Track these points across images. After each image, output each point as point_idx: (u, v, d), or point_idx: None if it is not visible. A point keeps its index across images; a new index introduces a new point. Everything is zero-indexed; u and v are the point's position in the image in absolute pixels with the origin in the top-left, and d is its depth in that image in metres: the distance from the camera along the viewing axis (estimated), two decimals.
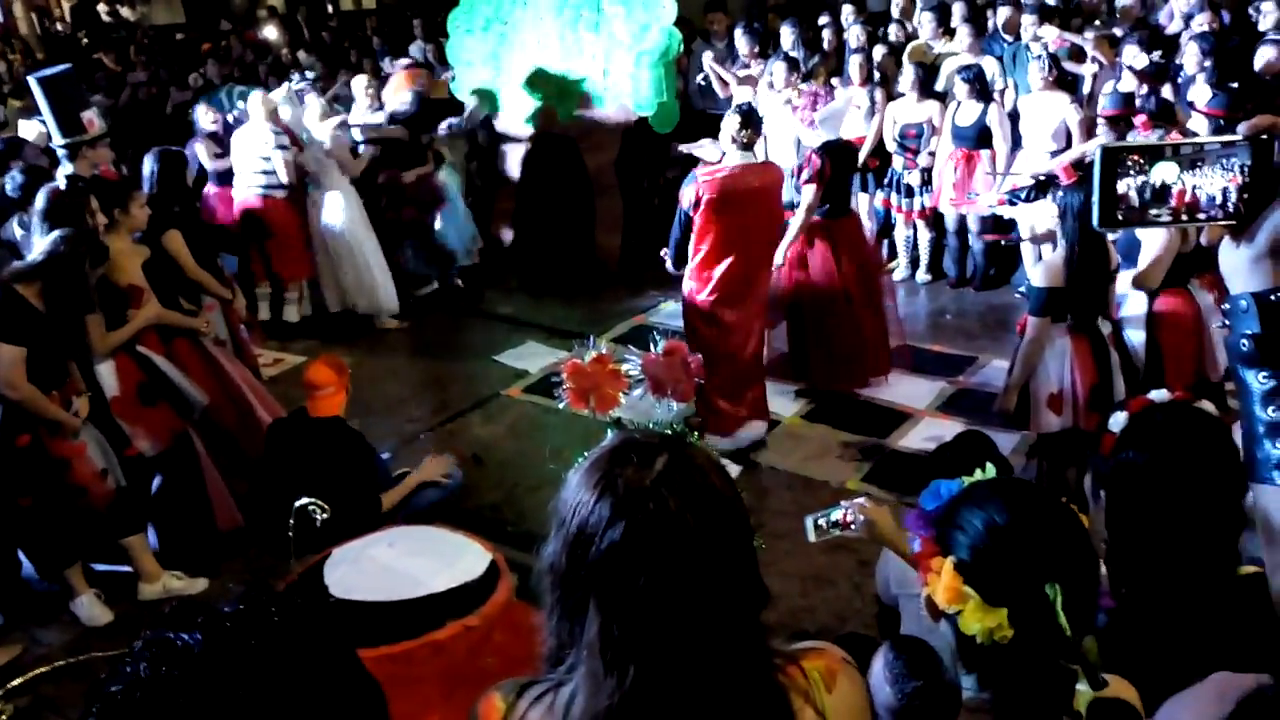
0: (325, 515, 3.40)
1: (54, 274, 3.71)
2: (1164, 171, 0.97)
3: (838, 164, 5.24)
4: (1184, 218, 0.98)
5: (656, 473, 1.15)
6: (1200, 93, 5.42)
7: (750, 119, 4.76)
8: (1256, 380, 0.95)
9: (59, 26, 18.28)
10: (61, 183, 4.47)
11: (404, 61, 7.86)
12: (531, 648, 1.27)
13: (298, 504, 3.46)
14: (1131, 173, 0.97)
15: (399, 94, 7.38)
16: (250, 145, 6.65)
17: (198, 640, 0.80)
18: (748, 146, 4.76)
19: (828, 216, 5.33)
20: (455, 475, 4.36)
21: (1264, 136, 0.95)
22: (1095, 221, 1.01)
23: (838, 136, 5.26)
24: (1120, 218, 0.99)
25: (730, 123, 4.76)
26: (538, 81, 7.41)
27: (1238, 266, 0.97)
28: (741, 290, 4.92)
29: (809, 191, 5.19)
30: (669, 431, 1.33)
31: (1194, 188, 0.97)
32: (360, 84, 7.51)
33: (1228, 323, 0.98)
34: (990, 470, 1.37)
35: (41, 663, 3.71)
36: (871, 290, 5.54)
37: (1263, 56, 6.05)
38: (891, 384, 5.68)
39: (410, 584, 3.00)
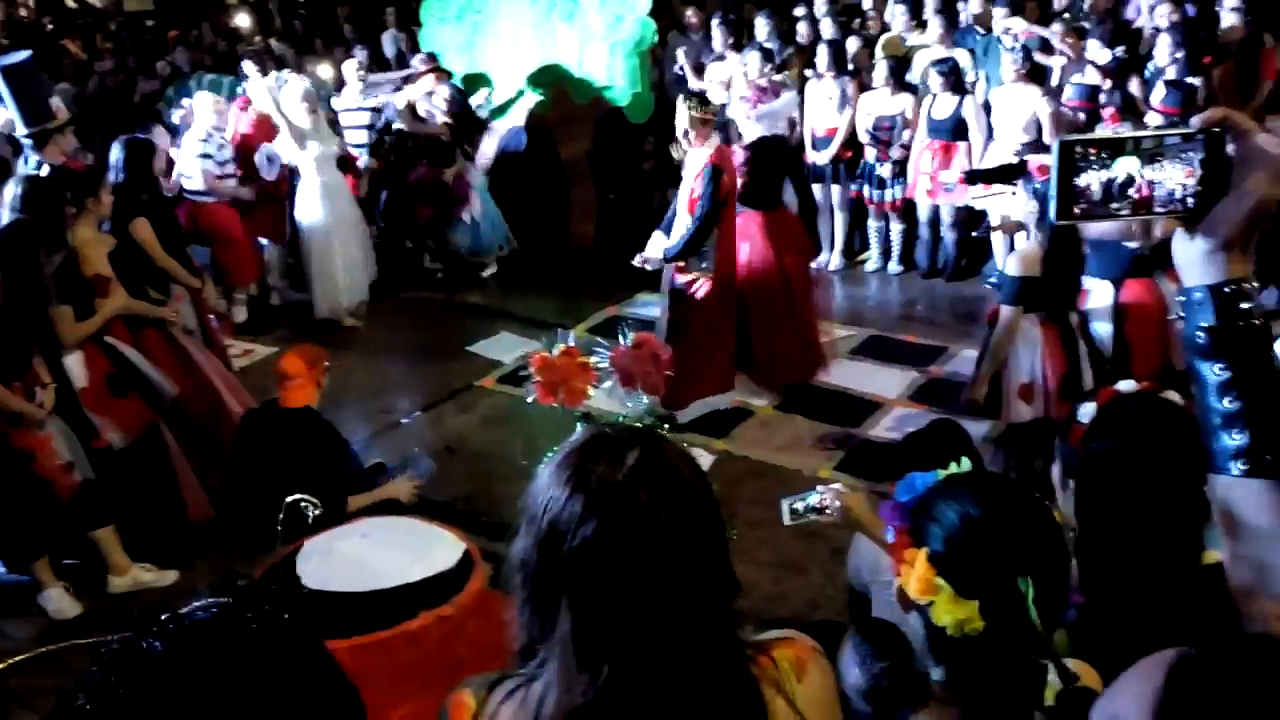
0: (318, 512, 3.39)
1: (5, 263, 3.65)
2: (1126, 165, 0.98)
3: (763, 159, 5.34)
4: (1143, 211, 0.99)
5: (628, 468, 1.14)
6: (1157, 90, 5.51)
7: (702, 97, 4.94)
8: (1212, 372, 0.97)
9: (23, 12, 17.93)
10: (44, 171, 4.42)
11: (423, 57, 7.72)
12: (506, 638, 1.26)
13: (289, 499, 3.44)
14: (1095, 167, 0.98)
15: (437, 91, 7.23)
16: (194, 148, 6.42)
17: (166, 648, 0.78)
18: (713, 126, 4.89)
19: (761, 209, 5.35)
20: (428, 466, 4.34)
21: (1216, 129, 0.96)
22: (1052, 215, 1.02)
23: (774, 134, 5.37)
24: (1078, 211, 1.00)
25: (688, 109, 4.81)
26: (539, 77, 7.39)
27: (1192, 259, 0.98)
28: (731, 274, 5.10)
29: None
30: (639, 425, 1.32)
31: (1152, 182, 0.98)
32: (351, 68, 7.44)
33: (1182, 315, 1.00)
34: (965, 464, 1.39)
35: (8, 656, 3.67)
36: (810, 282, 5.64)
37: (1226, 25, 6.19)
38: (863, 374, 5.73)
39: (384, 574, 3.00)
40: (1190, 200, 0.98)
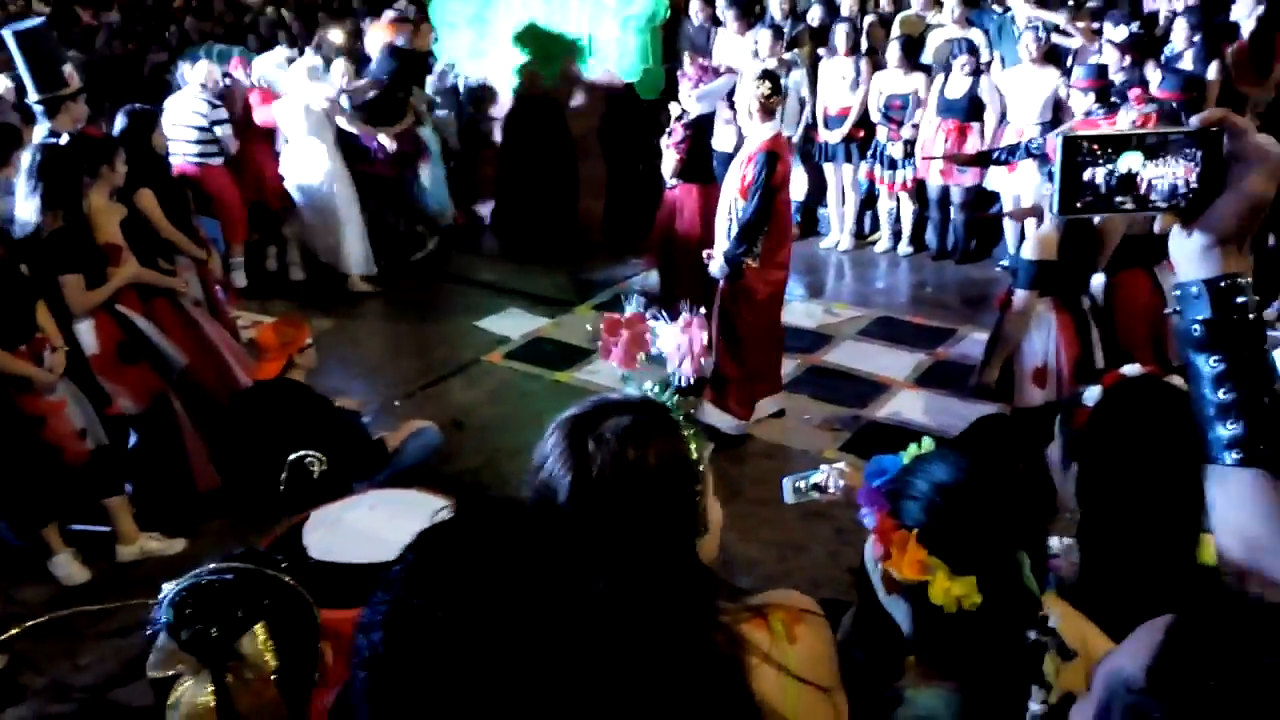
0: (322, 467, 3.42)
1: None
2: (1130, 160, 1.00)
3: (701, 136, 5.42)
4: (1145, 206, 1.01)
5: (602, 435, 1.23)
6: (1154, 76, 5.48)
7: (773, 78, 4.56)
8: (1207, 364, 1.00)
9: None
10: (62, 139, 4.42)
11: (389, 14, 7.69)
12: None
13: (292, 457, 3.47)
14: (1100, 162, 1.00)
15: (377, 46, 7.21)
16: (182, 113, 6.41)
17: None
18: (772, 113, 4.54)
19: (696, 183, 5.44)
20: (434, 435, 4.39)
21: (1214, 129, 0.98)
22: (1055, 209, 1.04)
23: (712, 111, 5.35)
24: (1079, 205, 1.02)
25: (758, 89, 4.46)
26: (526, 39, 7.33)
27: (1189, 254, 1.01)
28: (784, 265, 4.83)
29: (670, 154, 5.43)
30: (652, 396, 1.36)
31: (1153, 177, 1.00)
32: (339, 38, 7.42)
33: (1178, 308, 1.02)
34: (927, 444, 1.41)
35: (17, 621, 3.70)
36: None
37: (1242, 6, 6.11)
38: (870, 355, 5.73)
39: (389, 547, 2.98)
40: (1184, 196, 1.00)
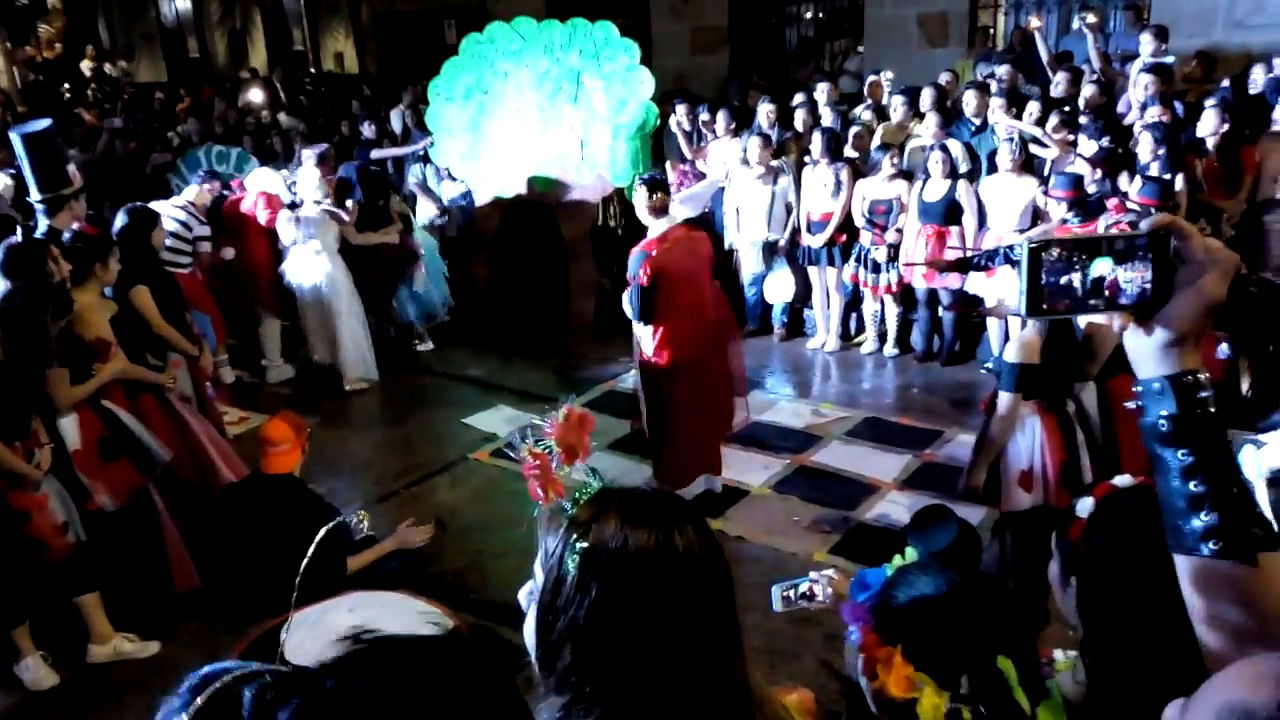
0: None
1: (12, 325, 3.68)
2: (1101, 266, 1.05)
3: None
4: (1113, 307, 1.05)
5: (678, 535, 1.21)
6: (1135, 183, 5.65)
7: (656, 184, 4.95)
8: (1176, 458, 1.02)
9: (41, 77, 18.35)
10: (17, 238, 4.47)
11: (309, 154, 7.46)
12: None
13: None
14: (1075, 267, 1.04)
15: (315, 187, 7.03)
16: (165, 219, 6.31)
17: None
18: (663, 212, 4.89)
19: None
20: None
21: (1161, 233, 1.02)
22: (1023, 311, 1.08)
23: (699, 215, 5.48)
24: (1045, 307, 1.06)
25: (640, 194, 4.90)
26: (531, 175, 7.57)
27: (1148, 352, 1.06)
28: (696, 353, 4.98)
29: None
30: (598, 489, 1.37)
31: (1123, 280, 1.04)
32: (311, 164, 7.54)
33: (1141, 404, 1.05)
34: (911, 554, 1.41)
35: None
36: (721, 346, 5.45)
37: (1206, 124, 6.34)
38: (858, 456, 5.73)
39: None
40: (1138, 297, 1.04)
